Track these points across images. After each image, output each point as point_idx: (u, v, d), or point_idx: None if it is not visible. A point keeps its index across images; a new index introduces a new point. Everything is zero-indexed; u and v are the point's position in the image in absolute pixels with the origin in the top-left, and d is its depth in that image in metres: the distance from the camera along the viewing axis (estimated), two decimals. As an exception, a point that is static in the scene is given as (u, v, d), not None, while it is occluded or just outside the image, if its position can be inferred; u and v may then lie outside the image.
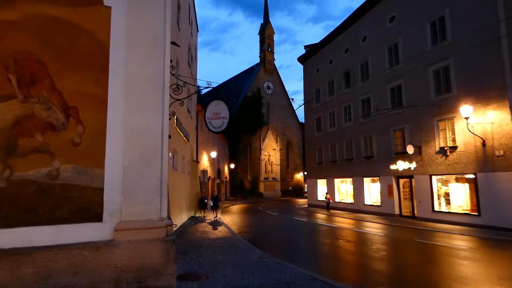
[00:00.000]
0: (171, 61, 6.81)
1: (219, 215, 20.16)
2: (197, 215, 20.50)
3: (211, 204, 19.27)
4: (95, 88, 5.30)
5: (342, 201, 25.35)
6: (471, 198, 14.94)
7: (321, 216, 20.89)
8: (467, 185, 15.26)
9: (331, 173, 26.42)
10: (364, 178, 22.48)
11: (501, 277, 6.56)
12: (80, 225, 5.01)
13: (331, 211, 24.08)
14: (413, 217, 18.01)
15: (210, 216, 19.55)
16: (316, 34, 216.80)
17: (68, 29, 5.26)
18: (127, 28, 5.55)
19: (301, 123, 51.05)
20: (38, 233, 4.76)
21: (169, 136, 8.46)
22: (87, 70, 5.30)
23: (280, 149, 53.97)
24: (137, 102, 5.50)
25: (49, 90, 5.03)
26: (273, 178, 52.42)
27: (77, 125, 5.15)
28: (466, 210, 15.15)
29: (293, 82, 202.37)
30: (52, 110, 5.01)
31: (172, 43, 8.29)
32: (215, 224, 16.32)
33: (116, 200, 5.22)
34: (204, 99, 42.20)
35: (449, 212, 15.84)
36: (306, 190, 36.57)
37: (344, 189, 25.69)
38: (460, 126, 15.10)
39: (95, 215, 5.10)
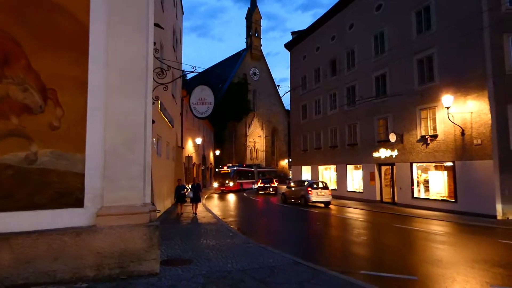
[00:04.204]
0: (154, 43, 6.62)
1: (200, 209, 15.49)
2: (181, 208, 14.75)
3: (191, 196, 14.49)
4: (75, 70, 5.12)
5: (326, 187, 25.76)
6: (449, 185, 15.47)
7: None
8: (445, 172, 15.76)
9: (316, 160, 26.73)
10: (348, 165, 22.87)
11: (473, 260, 6.89)
12: (61, 210, 4.92)
13: None
14: (393, 203, 18.54)
15: (188, 210, 14.88)
16: (305, 21, 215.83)
17: (45, 7, 5.02)
18: (108, 7, 5.34)
19: (287, 110, 51.11)
20: (15, 218, 4.65)
21: (153, 121, 8.30)
22: (66, 51, 5.10)
23: (265, 136, 54.13)
24: (119, 86, 5.36)
25: (25, 71, 4.83)
26: (258, 165, 52.65)
27: (55, 108, 4.99)
28: (443, 196, 15.70)
29: (281, 70, 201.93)
30: (29, 92, 4.82)
31: (156, 25, 8.04)
32: (193, 227, 10.97)
33: (98, 186, 5.13)
34: (190, 85, 41.54)
35: (428, 199, 16.38)
36: (291, 177, 36.92)
37: (328, 176, 26.09)
38: (441, 115, 15.46)
39: (76, 201, 5.01)
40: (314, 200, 18.35)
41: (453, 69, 15.03)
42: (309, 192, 18.49)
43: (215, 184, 33.08)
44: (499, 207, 12.92)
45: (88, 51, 5.21)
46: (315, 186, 19.07)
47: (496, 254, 7.62)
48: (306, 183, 19.68)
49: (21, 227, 4.64)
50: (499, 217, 12.77)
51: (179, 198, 14.50)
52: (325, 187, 19.31)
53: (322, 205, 18.63)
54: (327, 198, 18.56)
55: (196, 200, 14.40)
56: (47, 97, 4.94)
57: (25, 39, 4.85)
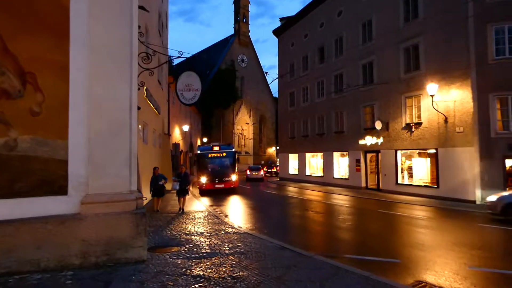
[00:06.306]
0: (139, 27, 6.42)
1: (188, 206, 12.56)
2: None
3: (177, 188, 12.15)
4: (55, 54, 4.94)
5: (313, 174, 26.09)
6: (432, 171, 15.89)
7: (291, 189, 21.47)
8: (428, 159, 16.15)
9: (303, 147, 26.92)
10: (334, 153, 23.13)
11: (454, 243, 7.15)
12: (43, 198, 4.82)
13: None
14: (378, 189, 18.94)
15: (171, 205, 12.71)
16: (294, 8, 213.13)
17: (22, -14, 4.77)
18: (88, -12, 5.11)
19: (275, 97, 50.99)
20: (-4, 206, 4.52)
21: (139, 108, 8.14)
22: (45, 34, 4.90)
23: (253, 123, 54.01)
24: (102, 70, 5.21)
25: (1, 54, 4.61)
26: (246, 152, 52.74)
27: (35, 93, 4.81)
28: (426, 182, 16.13)
29: (270, 57, 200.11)
30: (6, 76, 4.63)
31: (140, 7, 7.79)
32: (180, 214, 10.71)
33: (82, 173, 5.03)
34: (177, 71, 40.74)
35: (411, 185, 16.80)
36: (278, 164, 37.15)
37: (314, 163, 26.37)
38: (425, 103, 15.71)
39: (60, 188, 4.91)
40: (250, 177, 30.02)
41: (439, 58, 15.20)
42: (247, 173, 30.72)
43: (203, 179, 19.04)
44: (478, 193, 13.36)
45: (69, 34, 5.01)
46: (252, 168, 31.43)
47: (475, 237, 7.93)
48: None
49: (2, 216, 4.52)
50: (478, 202, 13.22)
51: (156, 191, 11.55)
52: (258, 169, 31.13)
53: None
54: (259, 176, 30.28)
55: (183, 193, 11.80)
56: (26, 81, 4.76)
57: (0, 21, 4.62)
